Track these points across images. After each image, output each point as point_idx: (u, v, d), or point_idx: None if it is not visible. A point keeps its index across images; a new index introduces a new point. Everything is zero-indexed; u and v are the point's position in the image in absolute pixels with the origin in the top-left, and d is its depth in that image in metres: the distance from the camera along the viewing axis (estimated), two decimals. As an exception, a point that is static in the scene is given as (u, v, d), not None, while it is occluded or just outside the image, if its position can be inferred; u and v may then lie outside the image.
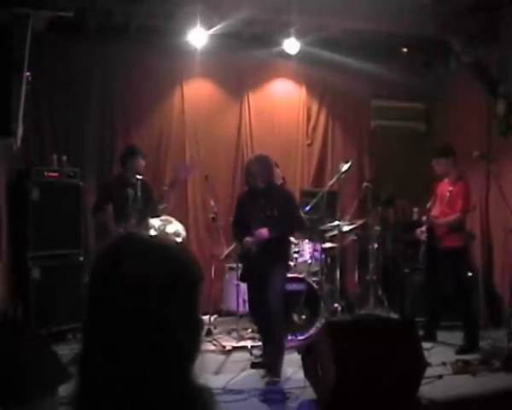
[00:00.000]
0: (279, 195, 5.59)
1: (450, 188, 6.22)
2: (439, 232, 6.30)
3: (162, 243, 1.26)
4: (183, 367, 1.18)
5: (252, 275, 5.50)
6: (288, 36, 7.44)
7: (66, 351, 4.86)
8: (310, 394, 4.69)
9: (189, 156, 7.85)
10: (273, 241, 5.33)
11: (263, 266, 5.29)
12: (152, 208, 6.18)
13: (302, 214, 5.93)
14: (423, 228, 6.40)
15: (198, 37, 7.13)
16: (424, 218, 6.42)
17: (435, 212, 6.36)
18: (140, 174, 6.18)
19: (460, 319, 6.31)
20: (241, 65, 8.09)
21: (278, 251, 5.45)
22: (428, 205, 6.40)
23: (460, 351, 5.96)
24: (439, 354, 5.82)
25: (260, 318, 5.54)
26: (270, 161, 5.57)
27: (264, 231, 5.31)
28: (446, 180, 6.39)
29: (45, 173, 6.46)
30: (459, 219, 6.27)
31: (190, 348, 1.20)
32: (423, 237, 6.38)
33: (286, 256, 5.75)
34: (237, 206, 5.76)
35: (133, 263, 1.16)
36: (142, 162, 6.22)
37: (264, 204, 5.41)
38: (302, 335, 6.35)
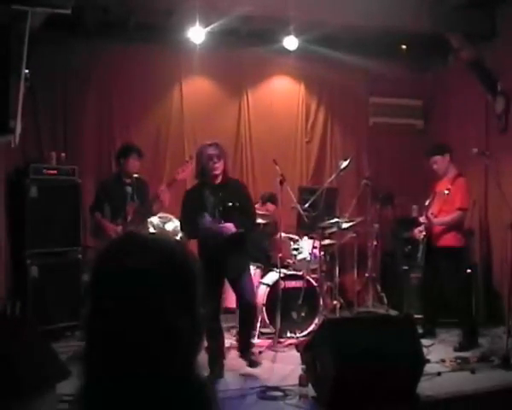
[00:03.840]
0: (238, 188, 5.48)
1: (449, 186, 6.16)
2: (436, 231, 6.29)
3: (162, 240, 1.29)
4: (186, 361, 1.20)
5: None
6: (287, 33, 7.43)
7: (65, 349, 4.87)
8: (309, 391, 4.69)
9: (187, 154, 7.83)
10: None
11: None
12: (147, 207, 6.16)
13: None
14: (421, 227, 6.38)
15: (197, 34, 7.12)
16: (422, 218, 6.37)
17: (433, 210, 6.34)
18: (134, 173, 6.17)
19: (458, 317, 6.32)
20: (239, 62, 8.08)
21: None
22: (427, 202, 6.38)
23: (459, 349, 5.96)
24: (438, 351, 5.83)
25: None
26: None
27: (230, 226, 5.14)
28: (445, 178, 6.37)
29: (43, 171, 6.45)
30: (458, 217, 6.27)
31: (193, 343, 1.22)
32: (421, 236, 6.36)
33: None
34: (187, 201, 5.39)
35: (136, 259, 1.18)
36: (134, 162, 6.15)
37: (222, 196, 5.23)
38: (301, 332, 6.35)
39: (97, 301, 1.20)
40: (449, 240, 6.23)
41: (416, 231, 6.43)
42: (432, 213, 6.29)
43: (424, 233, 6.29)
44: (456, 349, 5.95)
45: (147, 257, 1.19)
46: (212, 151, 5.19)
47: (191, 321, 1.20)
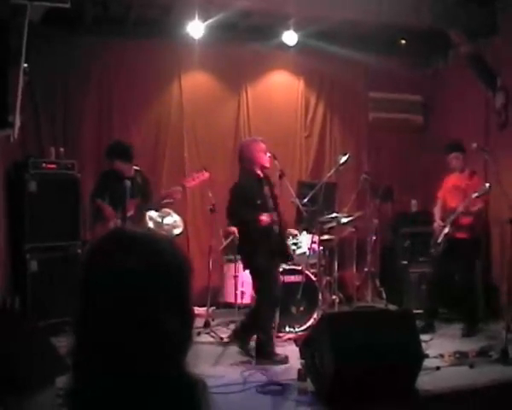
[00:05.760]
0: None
1: (468, 182, 6.49)
2: (462, 222, 6.46)
3: (152, 237, 1.28)
4: (175, 358, 1.19)
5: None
6: (287, 28, 7.42)
7: (64, 343, 4.86)
8: (308, 385, 4.70)
9: (186, 148, 7.84)
10: None
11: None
12: (147, 201, 6.15)
13: None
14: (441, 222, 6.56)
15: (196, 28, 7.11)
16: (464, 206, 6.40)
17: (452, 203, 6.55)
18: (126, 175, 6.00)
19: (464, 307, 6.55)
20: (239, 57, 8.06)
21: None
22: (474, 195, 6.35)
23: (466, 334, 6.29)
24: (437, 346, 5.84)
25: None
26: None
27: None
28: (458, 174, 6.63)
29: (43, 165, 6.44)
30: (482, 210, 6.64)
31: (182, 340, 1.21)
32: (443, 229, 6.46)
33: None
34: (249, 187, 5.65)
35: (124, 258, 1.17)
36: (122, 166, 6.01)
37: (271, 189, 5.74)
38: (300, 326, 6.36)
39: (86, 301, 1.20)
40: (474, 230, 6.52)
41: (436, 224, 6.62)
42: (452, 207, 6.51)
43: (448, 227, 6.45)
44: (463, 335, 6.26)
45: (135, 256, 1.17)
46: (264, 146, 5.58)
47: (180, 320, 1.19)
